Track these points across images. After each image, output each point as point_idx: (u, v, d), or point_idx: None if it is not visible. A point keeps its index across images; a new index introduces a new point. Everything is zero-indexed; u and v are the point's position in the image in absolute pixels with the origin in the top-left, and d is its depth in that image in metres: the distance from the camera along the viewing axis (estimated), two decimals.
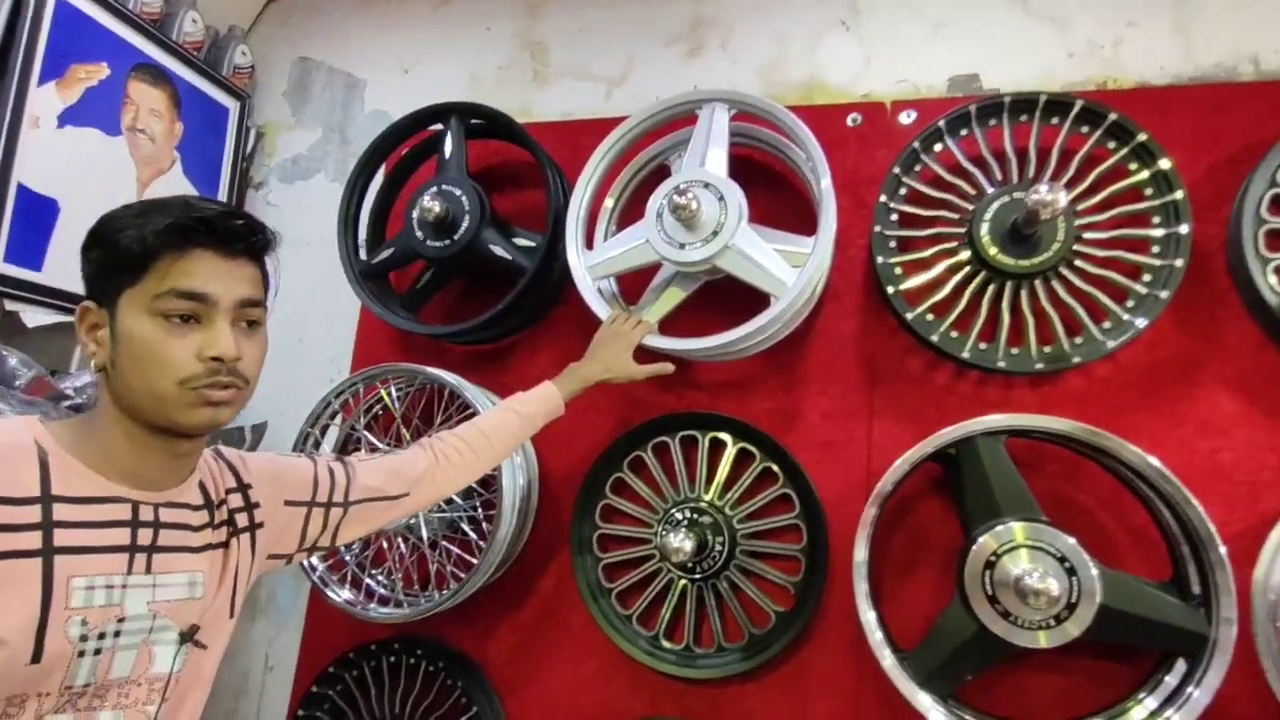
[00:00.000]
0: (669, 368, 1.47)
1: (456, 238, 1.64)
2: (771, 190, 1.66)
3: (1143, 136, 1.36)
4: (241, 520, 0.93)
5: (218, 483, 0.92)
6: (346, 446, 1.70)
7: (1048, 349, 1.38)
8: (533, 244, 1.65)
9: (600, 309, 1.51)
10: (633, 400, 1.69)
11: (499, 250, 1.64)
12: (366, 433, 1.65)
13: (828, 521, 1.45)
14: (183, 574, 0.85)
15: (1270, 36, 1.45)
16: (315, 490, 1.03)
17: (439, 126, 1.74)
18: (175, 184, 1.87)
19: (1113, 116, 1.38)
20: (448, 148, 1.71)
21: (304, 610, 1.79)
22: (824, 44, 1.73)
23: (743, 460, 1.53)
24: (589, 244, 1.64)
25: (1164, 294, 1.32)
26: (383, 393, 1.67)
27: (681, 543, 1.32)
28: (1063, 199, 1.23)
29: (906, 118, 1.61)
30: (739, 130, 1.61)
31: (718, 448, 1.54)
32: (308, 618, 1.78)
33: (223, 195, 2.01)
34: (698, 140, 1.51)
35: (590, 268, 1.55)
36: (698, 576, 1.47)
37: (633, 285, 1.66)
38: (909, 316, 1.43)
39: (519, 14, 2.00)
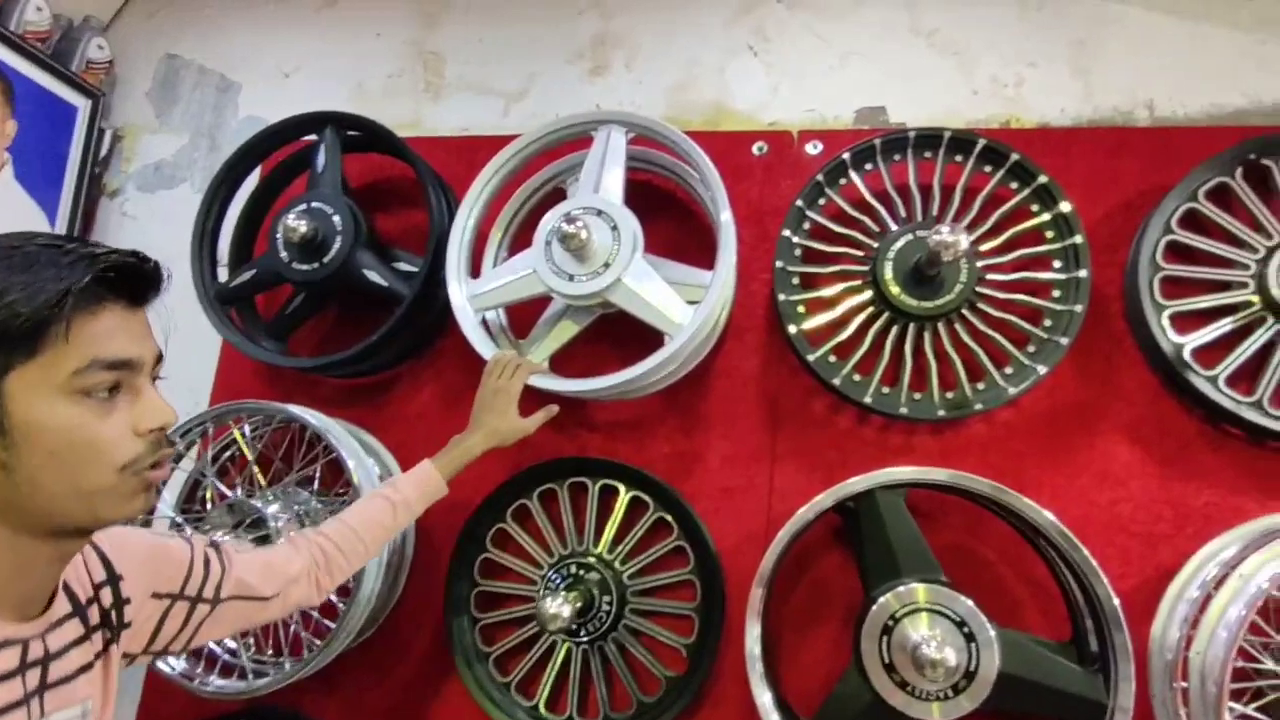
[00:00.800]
0: (553, 409, 1.35)
1: (326, 260, 1.48)
2: (673, 219, 1.57)
3: (1043, 179, 1.33)
4: (114, 620, 0.77)
5: (83, 578, 0.76)
6: (194, 495, 1.50)
7: (950, 395, 1.33)
8: (415, 269, 1.51)
9: (482, 344, 1.38)
10: (523, 442, 1.55)
11: (374, 275, 1.49)
12: (217, 480, 1.46)
13: (724, 575, 1.36)
14: (76, 707, 0.71)
15: (1164, 83, 1.45)
16: (186, 581, 0.87)
17: (315, 137, 1.58)
18: (3, 191, 1.64)
19: (1015, 157, 1.34)
20: (320, 160, 1.55)
21: (140, 679, 1.57)
22: (732, 69, 1.66)
23: (636, 509, 1.42)
24: (475, 272, 1.51)
25: (1064, 340, 1.28)
26: (235, 433, 1.48)
27: (559, 609, 1.19)
28: (964, 241, 1.17)
29: (813, 148, 1.55)
30: (638, 155, 1.52)
31: (609, 496, 1.42)
32: (145, 688, 1.56)
33: (67, 203, 1.79)
34: (592, 164, 1.41)
35: (473, 298, 1.42)
36: (583, 639, 1.34)
37: (526, 316, 1.54)
38: (810, 358, 1.35)
39: (413, 22, 1.86)
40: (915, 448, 1.40)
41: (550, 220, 1.35)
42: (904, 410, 1.32)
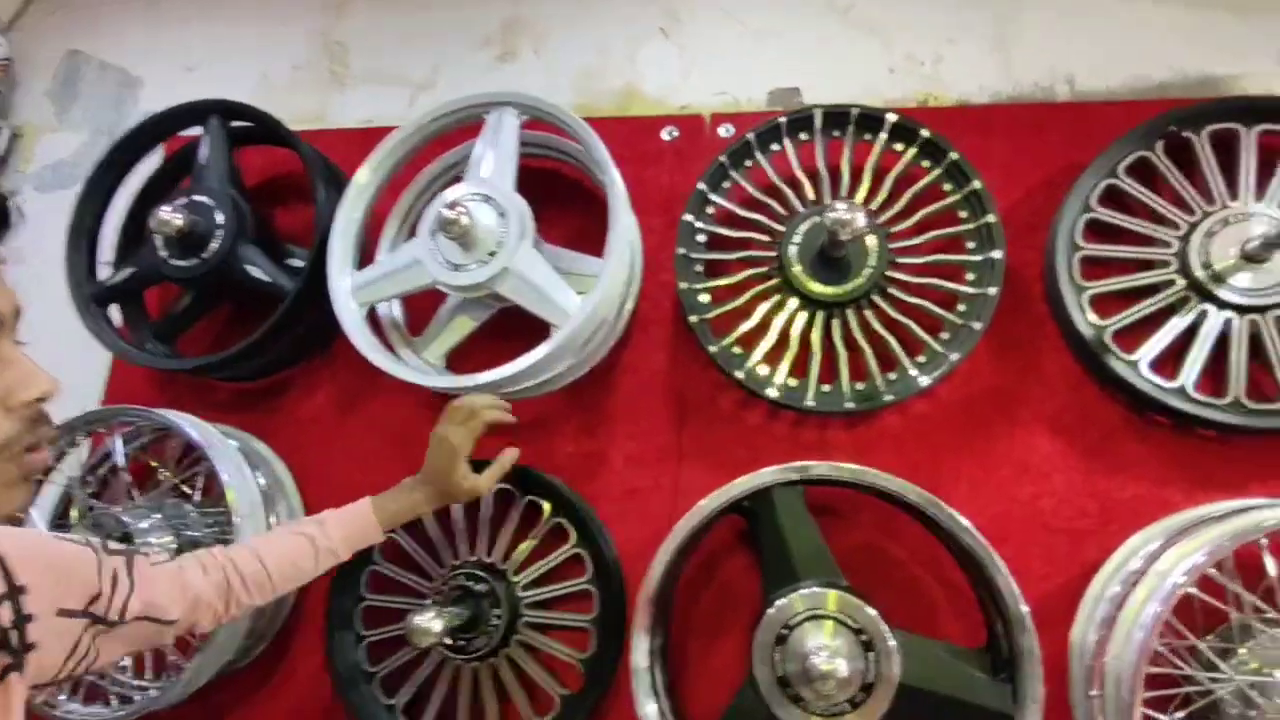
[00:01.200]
0: (512, 455, 1.21)
1: (206, 256, 1.39)
2: (580, 209, 1.49)
3: (955, 156, 1.26)
4: (13, 642, 0.63)
5: None
6: (67, 510, 1.41)
7: (860, 386, 1.24)
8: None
9: (363, 340, 1.29)
10: (419, 444, 1.46)
11: (257, 271, 1.40)
12: (84, 492, 1.37)
13: (625, 585, 1.27)
14: None
15: (1085, 57, 1.38)
16: (95, 597, 0.73)
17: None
18: None
19: (925, 134, 1.27)
20: (204, 152, 1.47)
21: None
22: (643, 52, 1.59)
23: (532, 515, 1.33)
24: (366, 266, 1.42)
25: (978, 325, 1.20)
26: (109, 442, 1.39)
27: (429, 624, 1.09)
28: (861, 218, 1.09)
29: (725, 131, 1.47)
30: (542, 142, 1.45)
31: (505, 501, 1.33)
32: None
33: None
34: (481, 148, 1.33)
35: (355, 291, 1.33)
36: (473, 657, 1.25)
37: (426, 312, 1.46)
38: (712, 349, 1.27)
39: (318, 11, 1.79)
40: (828, 443, 1.31)
41: (434, 207, 1.26)
42: (810, 403, 1.23)
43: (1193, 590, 0.95)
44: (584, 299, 1.20)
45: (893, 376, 1.23)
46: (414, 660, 1.29)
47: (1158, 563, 1.02)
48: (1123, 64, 1.37)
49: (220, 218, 1.40)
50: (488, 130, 1.34)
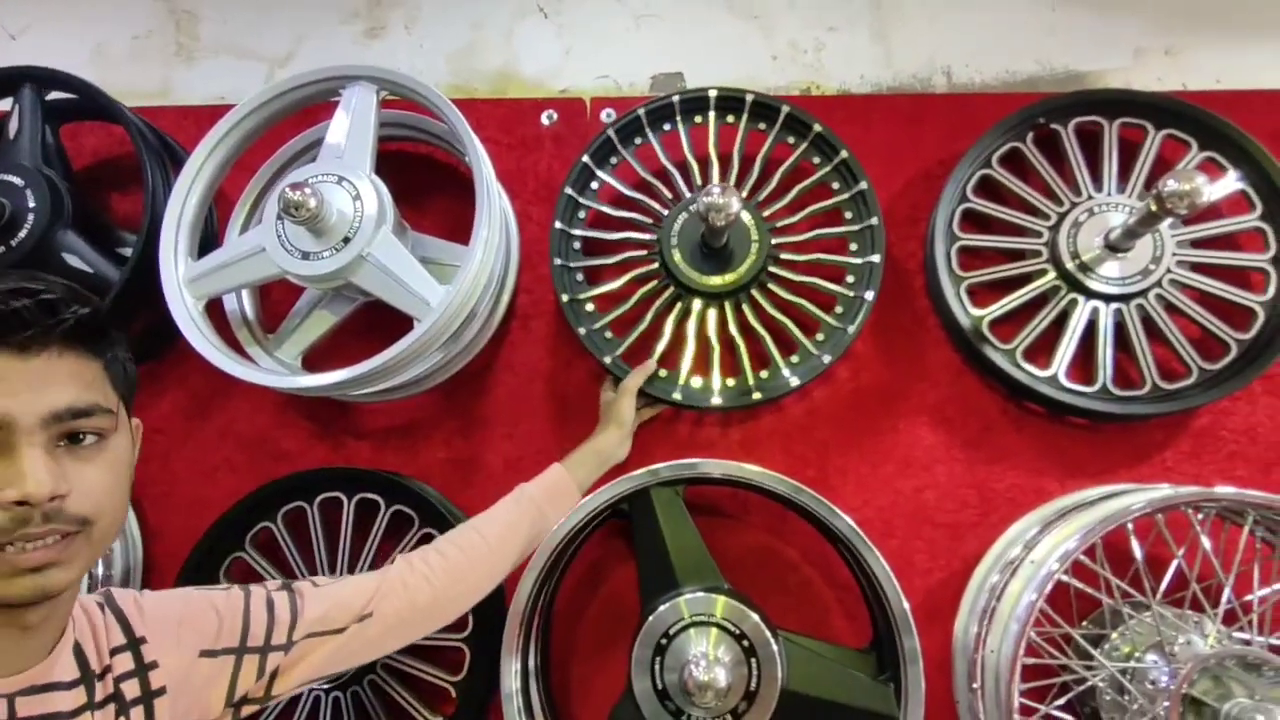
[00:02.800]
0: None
1: (14, 243, 1.21)
2: (453, 195, 1.39)
3: (845, 154, 1.23)
4: (130, 690, 0.68)
5: (100, 644, 0.68)
6: None
7: (731, 382, 1.20)
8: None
9: (198, 338, 1.14)
10: (278, 454, 1.33)
11: (75, 260, 1.23)
12: None
13: (505, 600, 1.17)
14: None
15: (961, 50, 1.39)
16: (246, 631, 0.75)
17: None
18: None
19: (817, 128, 1.24)
20: (13, 126, 1.28)
21: None
22: (521, 32, 1.50)
23: (400, 526, 1.22)
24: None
25: (851, 329, 1.18)
26: None
27: None
28: (735, 203, 1.04)
29: (607, 116, 1.40)
30: (412, 123, 1.34)
31: (368, 512, 1.21)
32: None
33: None
34: (336, 127, 1.21)
35: (190, 282, 1.18)
36: (334, 685, 1.12)
37: (285, 305, 1.32)
38: (582, 332, 1.20)
39: None
40: (716, 440, 1.26)
41: (279, 189, 1.14)
42: (678, 396, 1.18)
43: (1066, 578, 0.95)
44: (446, 289, 1.10)
45: (765, 375, 1.19)
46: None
47: (1033, 551, 1.01)
48: (995, 57, 1.38)
49: (32, 200, 1.22)
50: (343, 107, 1.22)
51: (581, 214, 1.28)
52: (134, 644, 0.70)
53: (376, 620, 0.82)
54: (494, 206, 1.14)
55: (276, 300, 1.37)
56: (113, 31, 1.60)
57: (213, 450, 1.34)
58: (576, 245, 1.27)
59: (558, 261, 1.23)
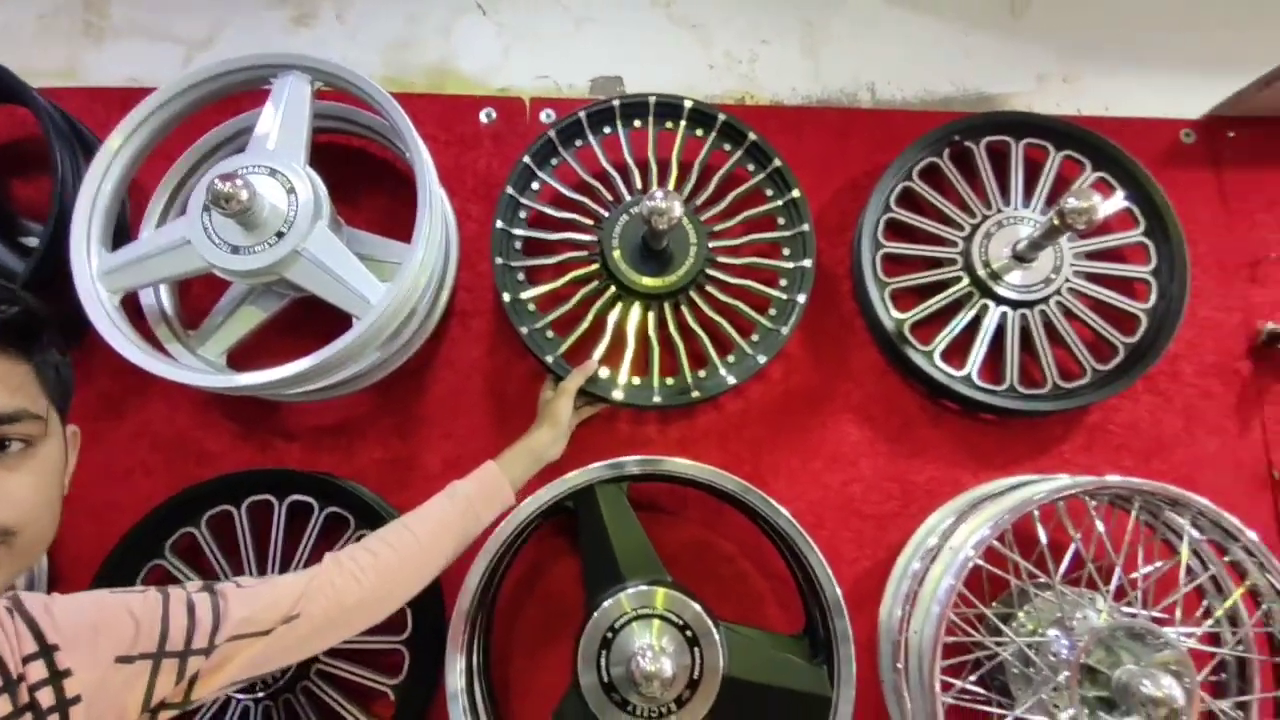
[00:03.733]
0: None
1: None
2: (391, 191, 1.37)
3: (778, 163, 1.28)
4: (45, 699, 0.64)
5: (12, 652, 0.64)
6: None
7: (670, 381, 1.23)
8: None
9: (112, 333, 1.08)
10: (199, 456, 1.27)
11: None
12: None
13: (444, 600, 1.17)
14: None
15: (883, 67, 1.48)
16: (165, 636, 0.71)
17: None
18: None
19: (752, 137, 1.29)
20: None
21: None
22: (458, 27, 1.49)
23: (335, 529, 1.19)
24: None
25: (784, 330, 1.23)
26: None
27: None
28: (677, 208, 1.07)
29: (546, 117, 1.41)
30: (348, 116, 1.31)
31: (301, 514, 1.18)
32: None
33: None
34: (266, 117, 1.17)
35: (105, 275, 1.12)
36: (260, 693, 1.09)
37: (207, 301, 1.27)
38: (523, 331, 1.20)
39: None
40: (655, 438, 1.30)
41: (206, 179, 1.09)
42: (619, 395, 1.21)
43: (979, 562, 1.03)
44: (388, 286, 1.08)
45: (703, 374, 1.24)
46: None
47: (950, 539, 1.09)
48: (915, 77, 1.47)
49: None
50: (274, 97, 1.18)
51: (523, 214, 1.29)
52: (46, 651, 0.66)
53: (304, 621, 0.79)
54: (436, 203, 1.13)
55: (198, 295, 1.31)
56: (15, 8, 1.49)
57: (126, 453, 1.26)
58: (518, 245, 1.27)
59: (499, 260, 1.23)
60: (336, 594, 0.83)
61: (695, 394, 1.20)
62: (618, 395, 1.20)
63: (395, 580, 0.89)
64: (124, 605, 0.71)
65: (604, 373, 1.21)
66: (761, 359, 1.22)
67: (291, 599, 0.79)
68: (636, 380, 1.23)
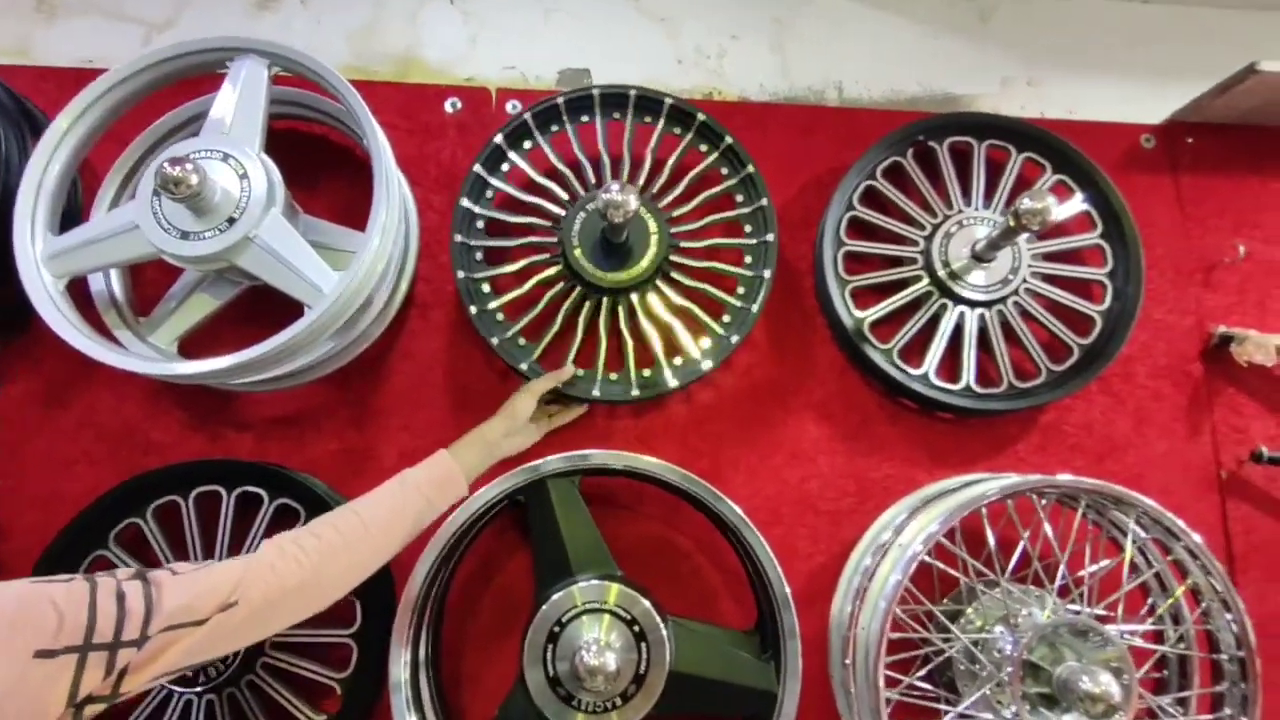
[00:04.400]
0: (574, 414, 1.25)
1: None
2: (350, 180, 1.35)
3: (730, 140, 1.28)
4: None
5: None
6: None
7: (646, 373, 1.23)
8: None
9: (57, 318, 1.06)
10: (146, 446, 1.25)
11: None
12: None
13: (395, 594, 1.15)
14: None
15: (851, 66, 1.48)
16: (92, 627, 0.68)
17: None
18: None
19: (701, 118, 1.28)
20: None
21: None
22: (425, 15, 1.47)
23: (285, 522, 1.17)
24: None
25: (754, 307, 1.23)
26: None
27: None
28: (633, 200, 1.07)
29: (513, 108, 1.40)
30: (308, 102, 1.29)
31: (250, 507, 1.16)
32: None
33: None
34: (222, 101, 1.15)
35: (50, 260, 1.09)
36: (204, 687, 1.07)
37: (160, 288, 1.25)
38: (495, 341, 1.20)
39: None
40: (614, 433, 1.29)
41: (157, 162, 1.07)
42: (596, 393, 1.20)
43: (928, 559, 1.03)
44: (341, 275, 1.07)
45: (679, 362, 1.24)
46: (137, 698, 1.09)
47: (901, 535, 1.10)
48: (882, 77, 1.48)
49: None
50: (230, 80, 1.16)
51: (479, 223, 1.27)
52: None
53: (242, 607, 0.77)
54: (393, 191, 1.12)
55: (150, 281, 1.29)
56: None
57: (70, 442, 1.24)
58: (478, 256, 1.26)
59: (458, 238, 1.22)
60: (277, 579, 0.80)
61: (674, 383, 1.20)
62: (596, 393, 1.19)
63: (339, 566, 0.87)
64: (46, 596, 0.68)
65: (581, 373, 1.21)
66: (735, 339, 1.22)
67: (229, 585, 0.77)
68: (613, 376, 1.22)
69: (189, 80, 1.21)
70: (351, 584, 0.89)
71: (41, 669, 0.66)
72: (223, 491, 1.15)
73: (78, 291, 1.19)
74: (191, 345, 1.23)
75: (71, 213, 1.24)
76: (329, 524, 0.88)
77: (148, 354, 1.18)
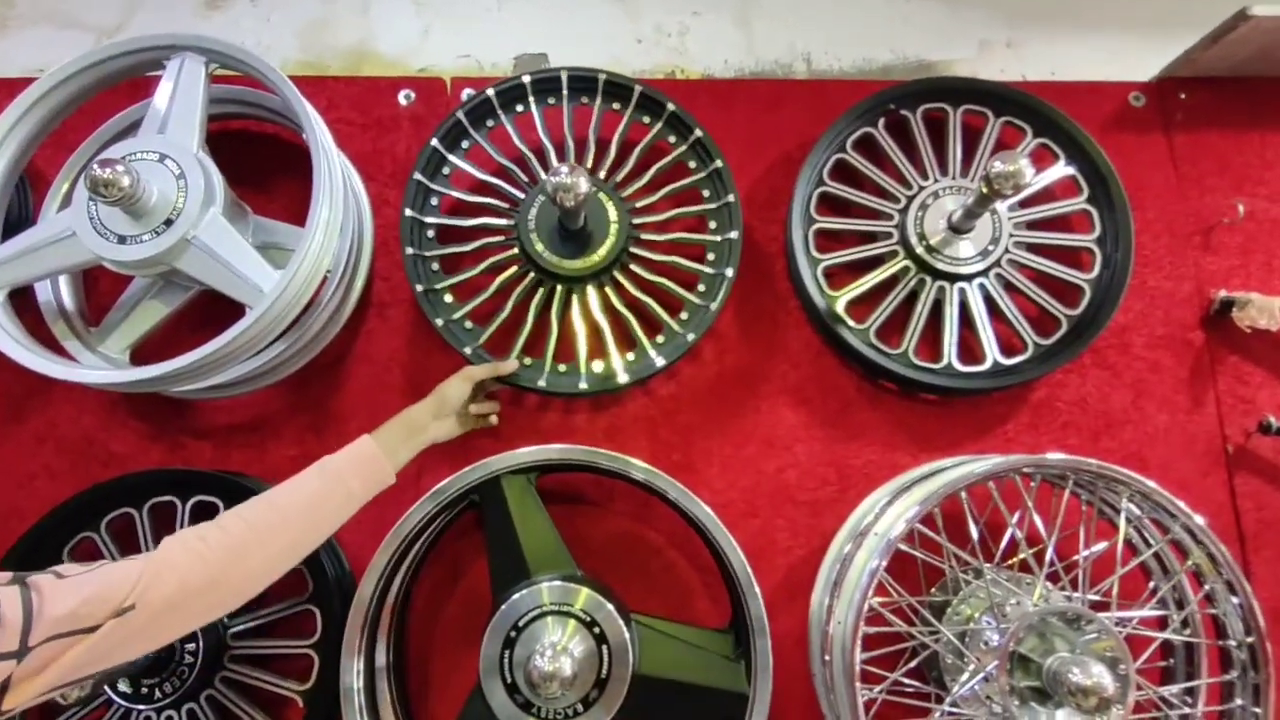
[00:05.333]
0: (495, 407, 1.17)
1: None
2: (303, 178, 1.31)
3: (700, 133, 1.23)
4: None
5: None
6: None
7: (598, 366, 1.18)
8: None
9: None
10: (105, 458, 1.22)
11: None
12: None
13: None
14: None
15: (821, 37, 1.42)
16: None
17: None
18: None
19: (671, 108, 1.23)
20: None
21: None
22: (377, 7, 1.44)
23: None
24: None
25: (714, 305, 1.18)
26: None
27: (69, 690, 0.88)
28: (584, 184, 1.02)
29: (468, 96, 1.36)
30: (256, 100, 1.26)
31: (205, 516, 1.12)
32: None
33: None
34: (160, 100, 1.12)
35: None
36: (161, 702, 1.04)
37: (113, 296, 1.22)
38: (439, 322, 1.15)
39: None
40: (578, 427, 1.24)
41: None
42: (543, 384, 1.15)
43: (905, 547, 0.97)
44: (280, 274, 1.03)
45: (631, 357, 1.18)
46: (88, 715, 1.06)
47: (878, 523, 1.04)
48: (852, 46, 1.42)
49: None
50: (166, 79, 1.13)
51: (434, 200, 1.23)
52: None
53: (141, 611, 0.70)
54: (335, 185, 1.08)
55: (105, 291, 1.27)
56: None
57: (29, 456, 1.22)
58: (430, 234, 1.22)
59: (409, 250, 1.18)
60: (179, 577, 0.73)
61: (624, 379, 1.15)
62: (542, 384, 1.15)
63: (253, 559, 0.80)
64: None
65: (528, 361, 1.16)
66: (691, 336, 1.16)
67: (124, 588, 0.70)
68: (562, 367, 1.17)
69: (137, 82, 1.19)
70: (267, 580, 0.82)
71: None
72: (177, 502, 1.12)
73: (27, 303, 1.17)
74: (145, 353, 1.20)
75: (21, 222, 1.22)
76: (238, 516, 0.82)
77: (95, 364, 1.15)
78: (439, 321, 1.15)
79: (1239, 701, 1.00)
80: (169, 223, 1.04)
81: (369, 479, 0.93)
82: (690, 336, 1.16)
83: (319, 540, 0.88)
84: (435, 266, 1.20)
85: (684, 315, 1.20)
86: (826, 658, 1.02)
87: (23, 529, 1.13)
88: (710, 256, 1.22)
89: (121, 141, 1.11)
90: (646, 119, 1.27)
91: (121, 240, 1.03)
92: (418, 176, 1.20)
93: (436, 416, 1.04)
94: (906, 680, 1.02)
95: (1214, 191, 1.33)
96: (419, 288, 1.16)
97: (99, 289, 1.27)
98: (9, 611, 0.64)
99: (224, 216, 1.07)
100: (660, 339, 1.18)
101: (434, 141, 1.21)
